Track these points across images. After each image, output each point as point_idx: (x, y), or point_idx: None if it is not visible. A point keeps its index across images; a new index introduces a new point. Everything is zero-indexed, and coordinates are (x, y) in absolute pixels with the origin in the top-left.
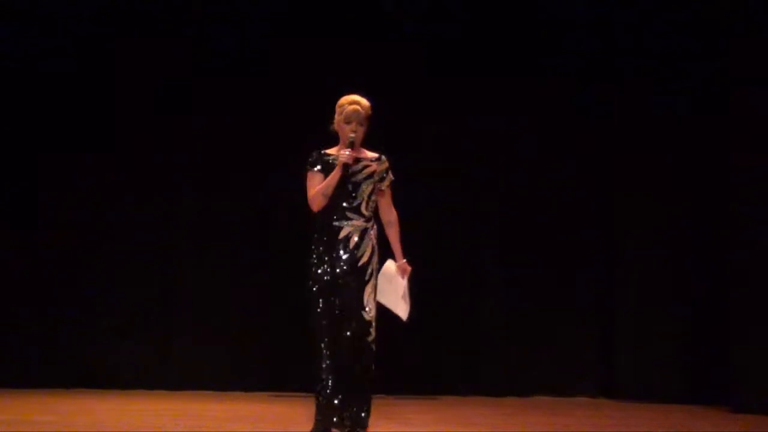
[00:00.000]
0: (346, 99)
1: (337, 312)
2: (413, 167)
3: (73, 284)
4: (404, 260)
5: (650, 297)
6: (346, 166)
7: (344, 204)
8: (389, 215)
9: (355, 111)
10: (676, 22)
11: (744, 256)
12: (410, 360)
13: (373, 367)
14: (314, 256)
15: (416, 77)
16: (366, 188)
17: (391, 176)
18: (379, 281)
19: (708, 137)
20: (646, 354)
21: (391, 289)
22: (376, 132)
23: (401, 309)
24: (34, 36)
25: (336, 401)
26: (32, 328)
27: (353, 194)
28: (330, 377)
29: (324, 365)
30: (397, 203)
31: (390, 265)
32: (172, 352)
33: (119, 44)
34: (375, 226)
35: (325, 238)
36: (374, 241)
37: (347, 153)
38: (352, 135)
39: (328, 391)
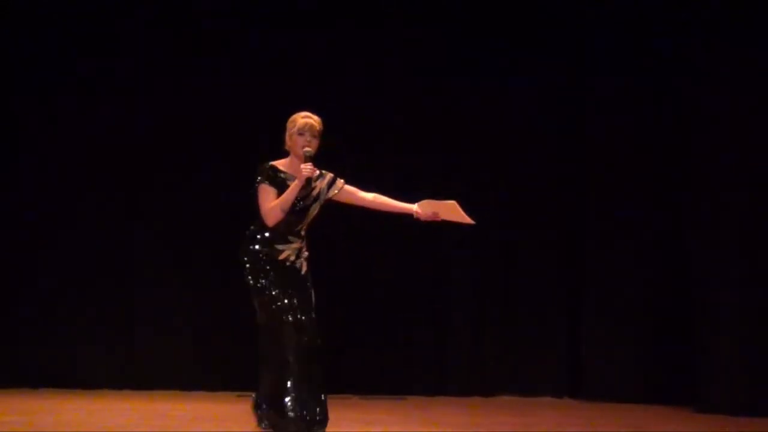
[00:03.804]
0: (298, 114)
1: (295, 325)
2: (379, 169)
3: (35, 283)
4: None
5: (616, 298)
6: (308, 180)
7: (289, 226)
8: (371, 198)
9: (308, 123)
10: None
11: (707, 258)
12: (377, 360)
13: None
14: (257, 279)
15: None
16: (313, 211)
17: (339, 182)
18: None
19: (672, 138)
20: (612, 354)
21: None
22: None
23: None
24: None
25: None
26: None
27: (299, 217)
28: (299, 390)
29: (292, 380)
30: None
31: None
32: (137, 352)
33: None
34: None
35: (263, 257)
36: (307, 255)
37: (309, 167)
38: (309, 149)
39: (297, 403)
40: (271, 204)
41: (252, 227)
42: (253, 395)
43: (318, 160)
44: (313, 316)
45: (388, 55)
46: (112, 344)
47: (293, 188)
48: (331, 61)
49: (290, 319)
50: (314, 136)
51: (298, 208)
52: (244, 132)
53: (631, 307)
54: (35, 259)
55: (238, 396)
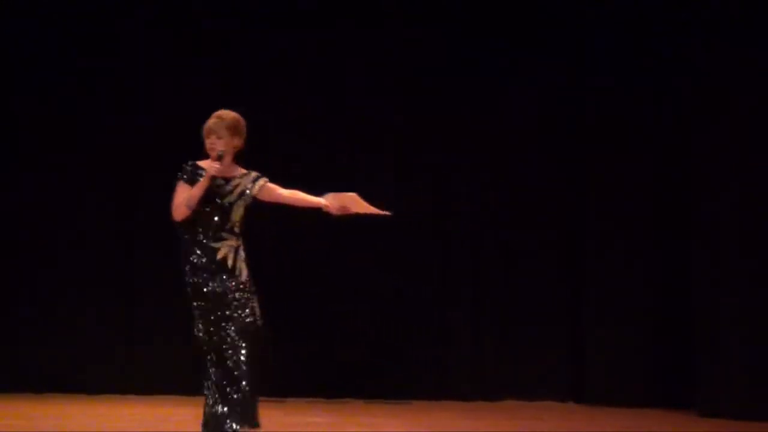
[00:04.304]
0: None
1: (232, 330)
2: (379, 169)
3: (35, 283)
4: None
5: (618, 302)
6: (214, 178)
7: (219, 224)
8: (288, 194)
9: (207, 126)
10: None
11: (707, 258)
12: (380, 365)
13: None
14: (193, 278)
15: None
16: (238, 209)
17: (261, 180)
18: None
19: (672, 138)
20: (615, 358)
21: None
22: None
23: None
24: None
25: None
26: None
27: (226, 214)
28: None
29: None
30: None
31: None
32: (140, 356)
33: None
34: (243, 242)
35: (202, 259)
36: (245, 256)
37: (216, 165)
38: (221, 150)
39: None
40: (179, 200)
41: (182, 230)
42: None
43: (314, 159)
44: (252, 321)
45: (388, 55)
46: (114, 347)
47: (198, 186)
48: (331, 61)
49: (231, 328)
50: (218, 137)
51: (220, 205)
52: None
53: (632, 309)
54: (35, 259)
55: None
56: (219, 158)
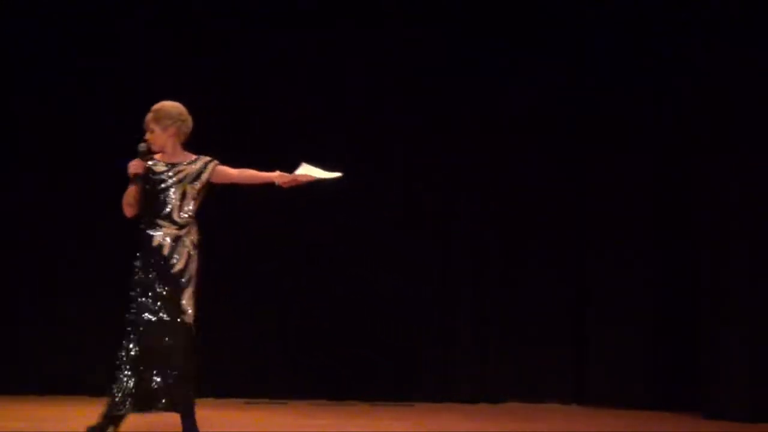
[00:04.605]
0: None
1: (150, 320)
2: (379, 169)
3: (35, 283)
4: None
5: (619, 302)
6: (136, 177)
7: (154, 212)
8: (236, 173)
9: (146, 120)
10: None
11: (708, 262)
12: (384, 366)
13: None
14: (135, 263)
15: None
16: (175, 194)
17: (212, 165)
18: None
19: (672, 138)
20: (617, 360)
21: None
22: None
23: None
24: None
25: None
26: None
27: (162, 202)
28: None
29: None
30: (364, 205)
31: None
32: None
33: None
34: (194, 231)
35: (142, 247)
36: (191, 248)
37: (132, 163)
38: (142, 145)
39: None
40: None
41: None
42: None
43: (314, 159)
44: (167, 317)
45: (388, 55)
46: (114, 348)
47: (129, 186)
48: (331, 61)
49: (135, 313)
50: (151, 131)
51: (157, 192)
52: (244, 132)
53: (633, 309)
54: (35, 259)
55: (246, 403)
56: (141, 155)
